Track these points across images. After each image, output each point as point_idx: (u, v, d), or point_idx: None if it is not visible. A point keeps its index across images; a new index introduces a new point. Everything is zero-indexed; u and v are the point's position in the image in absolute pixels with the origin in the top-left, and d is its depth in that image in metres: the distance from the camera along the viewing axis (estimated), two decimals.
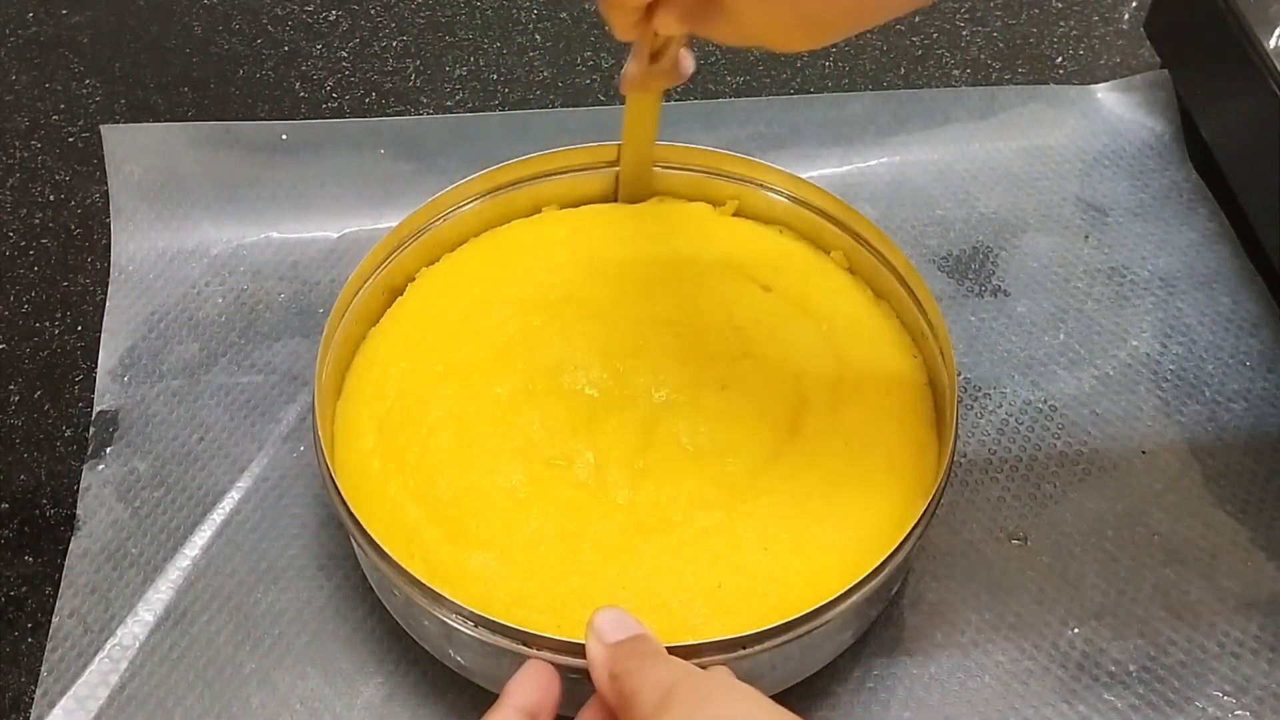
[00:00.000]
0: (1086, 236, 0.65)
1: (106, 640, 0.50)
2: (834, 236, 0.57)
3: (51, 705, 0.48)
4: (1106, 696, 0.49)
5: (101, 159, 0.65)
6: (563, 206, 0.59)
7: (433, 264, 0.57)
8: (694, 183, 0.59)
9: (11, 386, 0.58)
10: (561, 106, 0.70)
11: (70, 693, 0.48)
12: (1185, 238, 0.64)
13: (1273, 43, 0.58)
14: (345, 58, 0.72)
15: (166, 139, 0.63)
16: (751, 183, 0.58)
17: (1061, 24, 0.75)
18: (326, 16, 0.75)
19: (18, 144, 0.68)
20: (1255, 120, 0.59)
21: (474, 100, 0.70)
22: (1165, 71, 0.69)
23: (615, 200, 0.60)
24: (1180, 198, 0.66)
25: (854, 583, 0.44)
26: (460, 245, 0.58)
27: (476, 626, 0.43)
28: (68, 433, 0.57)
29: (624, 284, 0.55)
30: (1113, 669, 0.50)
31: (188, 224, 0.63)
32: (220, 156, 0.63)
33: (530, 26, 0.74)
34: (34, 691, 0.49)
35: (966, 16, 0.75)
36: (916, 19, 0.74)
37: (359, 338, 0.55)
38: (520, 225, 0.59)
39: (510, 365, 0.52)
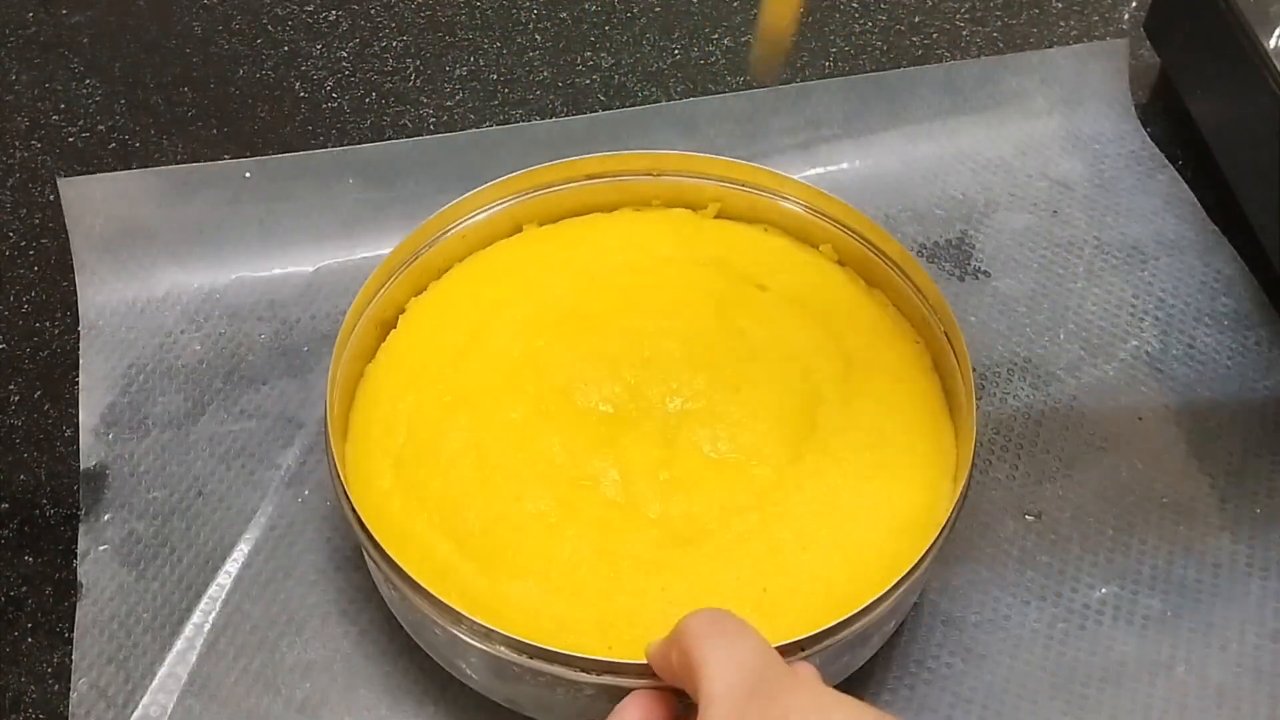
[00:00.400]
0: (1055, 211, 0.66)
1: (131, 713, 0.48)
2: (821, 230, 0.57)
3: None
4: (1146, 637, 0.50)
5: (102, 160, 0.65)
6: (541, 223, 0.59)
7: (421, 293, 0.56)
8: (673, 189, 0.59)
9: (11, 386, 0.57)
10: (560, 109, 0.70)
11: None
12: (1150, 204, 0.66)
13: (1273, 43, 0.59)
14: (345, 58, 0.72)
15: (126, 188, 0.61)
16: (732, 183, 0.58)
17: (1061, 24, 0.76)
18: (326, 16, 0.74)
19: (18, 144, 0.67)
20: (1255, 120, 0.60)
21: (474, 100, 0.70)
22: (1116, 41, 0.70)
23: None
24: (1139, 166, 0.68)
25: (901, 575, 0.44)
26: (445, 272, 0.57)
27: (531, 658, 0.43)
28: (68, 433, 0.56)
29: (619, 295, 0.55)
30: (1145, 616, 0.51)
31: (155, 272, 0.61)
32: (183, 200, 0.61)
33: (530, 26, 0.74)
34: (33, 692, 0.48)
35: (966, 16, 0.76)
36: (916, 19, 0.75)
37: (356, 375, 0.53)
38: (504, 245, 0.58)
39: (520, 388, 0.51)
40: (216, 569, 0.52)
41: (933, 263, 0.63)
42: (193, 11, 0.74)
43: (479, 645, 0.43)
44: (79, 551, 0.52)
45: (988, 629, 0.51)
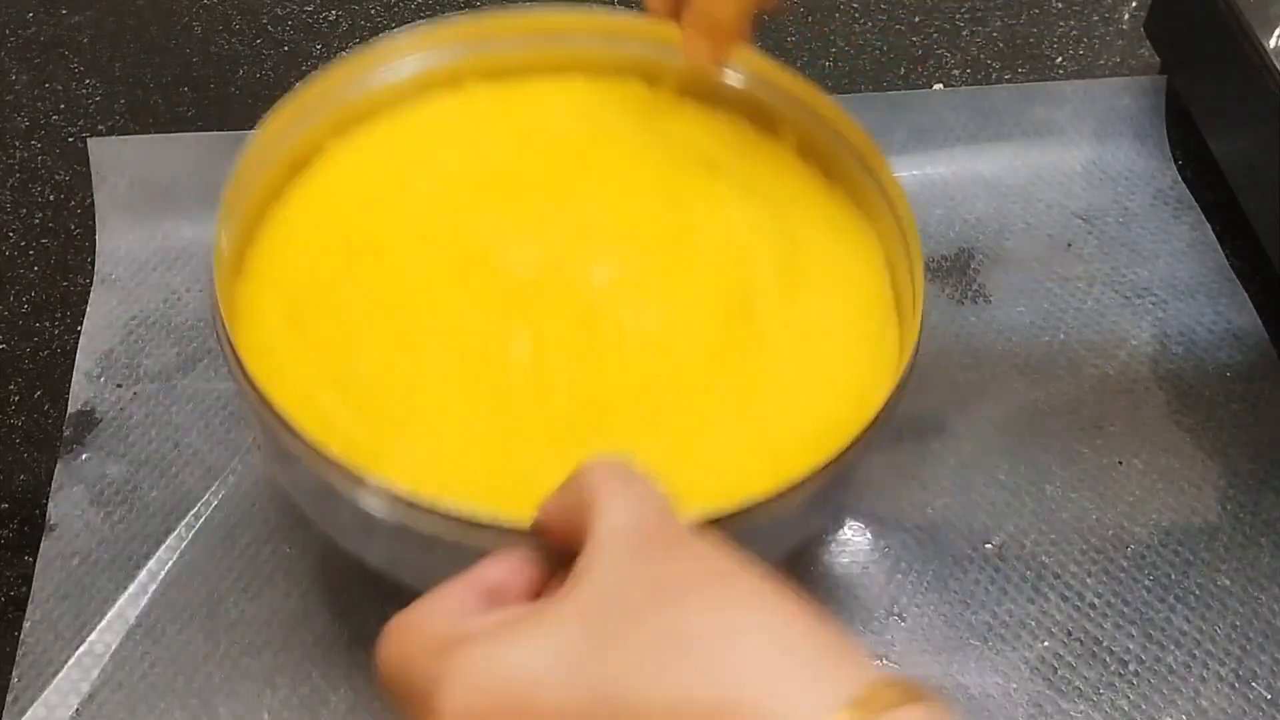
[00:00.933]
0: (1069, 245, 0.64)
1: (77, 648, 0.50)
2: (785, 115, 0.54)
3: (22, 713, 0.48)
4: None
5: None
6: (487, 79, 0.55)
7: (342, 136, 0.53)
8: (631, 58, 0.54)
9: (11, 386, 0.59)
10: None
11: (40, 700, 0.49)
12: (1169, 247, 0.64)
13: (1273, 43, 0.58)
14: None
15: (152, 150, 0.63)
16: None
17: (1061, 24, 0.74)
18: (326, 16, 0.75)
19: (18, 144, 0.68)
20: (1255, 120, 0.59)
21: None
22: (1156, 77, 0.69)
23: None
24: (1165, 207, 0.66)
25: (823, 461, 0.40)
26: (372, 117, 0.53)
27: (408, 509, 0.38)
28: (68, 433, 0.57)
29: (556, 161, 0.51)
30: (1084, 680, 0.50)
31: (172, 232, 0.63)
32: (206, 167, 0.63)
33: None
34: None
35: (966, 16, 0.75)
36: (916, 19, 0.74)
37: (258, 214, 0.50)
38: (441, 97, 0.54)
39: (434, 242, 0.48)
40: (179, 520, 0.54)
41: (933, 282, 0.62)
42: (193, 11, 0.75)
43: (350, 495, 0.39)
44: (52, 488, 0.54)
45: (940, 659, 0.50)
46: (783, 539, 0.44)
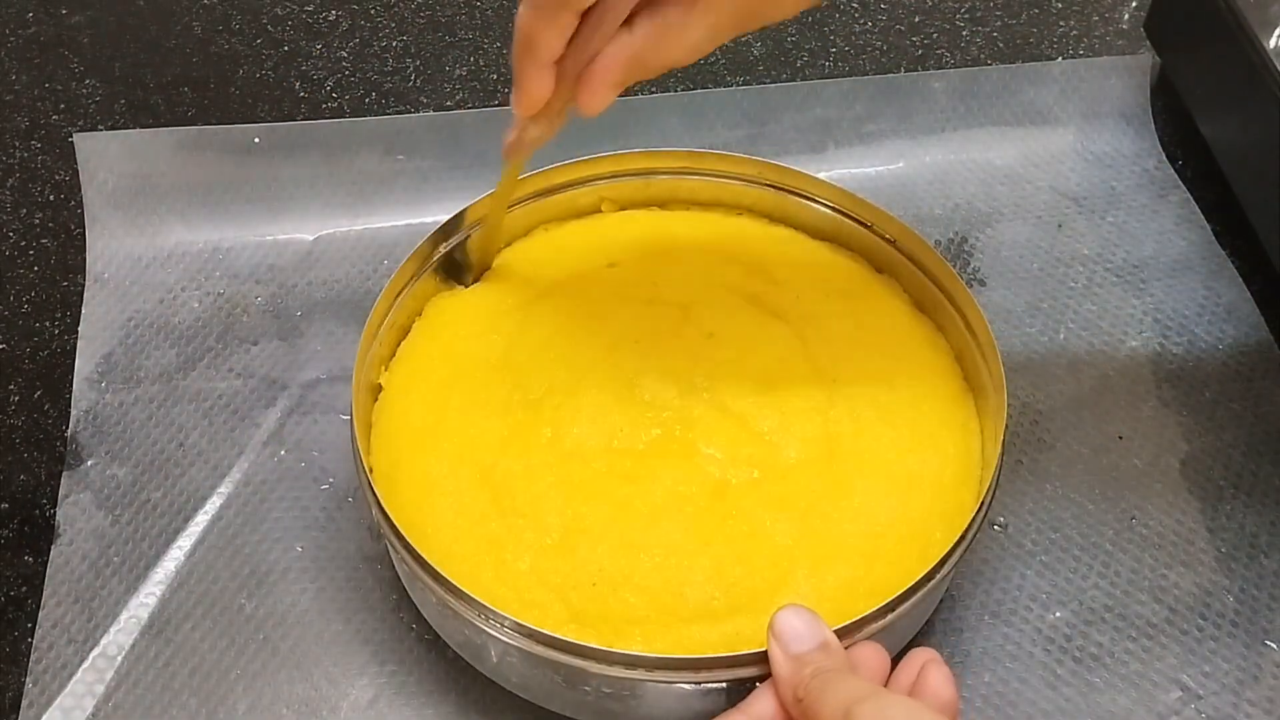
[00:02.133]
0: (1060, 225, 0.65)
1: (91, 650, 0.50)
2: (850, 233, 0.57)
3: (38, 717, 0.48)
4: (1090, 679, 0.50)
5: None
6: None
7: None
8: (708, 188, 0.59)
9: (11, 386, 0.58)
10: None
11: (56, 704, 0.48)
12: (1158, 225, 0.65)
13: (1273, 43, 0.58)
14: (345, 58, 0.72)
15: (139, 146, 0.63)
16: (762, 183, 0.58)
17: (1061, 24, 0.75)
18: (326, 16, 0.75)
19: (18, 144, 0.68)
20: (1255, 120, 0.60)
21: (474, 100, 0.70)
22: (1140, 57, 0.69)
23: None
24: (1152, 186, 0.67)
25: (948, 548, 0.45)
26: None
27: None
28: (71, 440, 0.56)
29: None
30: (1094, 650, 0.50)
31: (163, 229, 0.63)
32: (194, 162, 0.63)
33: None
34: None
35: (966, 16, 0.75)
36: (916, 19, 0.75)
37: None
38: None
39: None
40: (188, 519, 0.53)
41: None
42: (193, 11, 0.75)
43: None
44: (59, 494, 0.54)
45: (951, 637, 0.51)
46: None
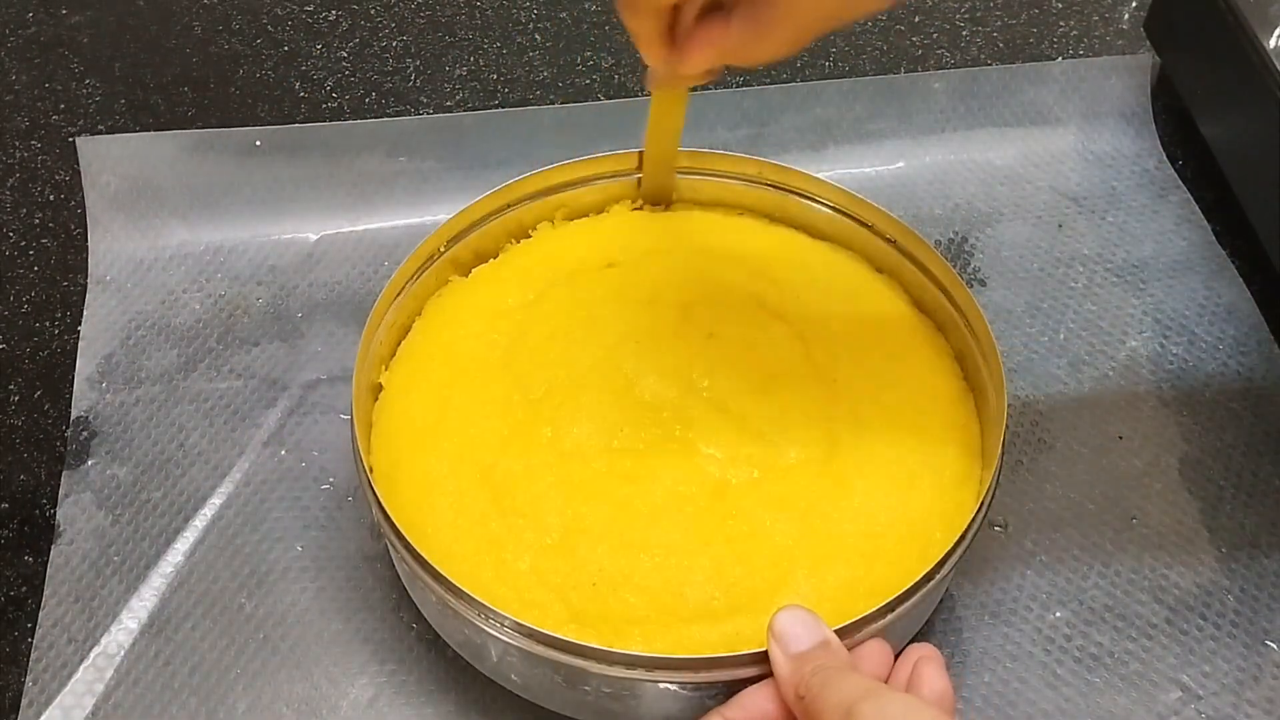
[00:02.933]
0: (1060, 225, 0.65)
1: (91, 649, 0.50)
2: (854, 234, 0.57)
3: (38, 716, 0.48)
4: (1090, 679, 0.50)
5: None
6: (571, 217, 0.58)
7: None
8: (711, 187, 0.59)
9: (11, 386, 0.59)
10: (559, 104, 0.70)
11: (56, 702, 0.48)
12: (1158, 225, 0.65)
13: (1273, 43, 0.58)
14: (345, 58, 0.73)
15: (141, 149, 0.63)
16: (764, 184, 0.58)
17: (1061, 24, 0.75)
18: (326, 16, 0.75)
19: (18, 144, 0.68)
20: (1255, 120, 0.60)
21: (474, 100, 0.70)
22: (1140, 56, 0.69)
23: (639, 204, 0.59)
24: (1152, 186, 0.67)
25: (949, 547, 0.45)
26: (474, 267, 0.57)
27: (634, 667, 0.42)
28: (68, 433, 0.57)
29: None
30: (1094, 650, 0.50)
31: (165, 231, 0.63)
32: (195, 164, 0.63)
33: (530, 26, 0.75)
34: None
35: (966, 16, 0.75)
36: (916, 19, 0.75)
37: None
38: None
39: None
40: (188, 519, 0.54)
41: None
42: (193, 11, 0.75)
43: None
44: (60, 494, 0.54)
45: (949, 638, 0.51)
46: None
